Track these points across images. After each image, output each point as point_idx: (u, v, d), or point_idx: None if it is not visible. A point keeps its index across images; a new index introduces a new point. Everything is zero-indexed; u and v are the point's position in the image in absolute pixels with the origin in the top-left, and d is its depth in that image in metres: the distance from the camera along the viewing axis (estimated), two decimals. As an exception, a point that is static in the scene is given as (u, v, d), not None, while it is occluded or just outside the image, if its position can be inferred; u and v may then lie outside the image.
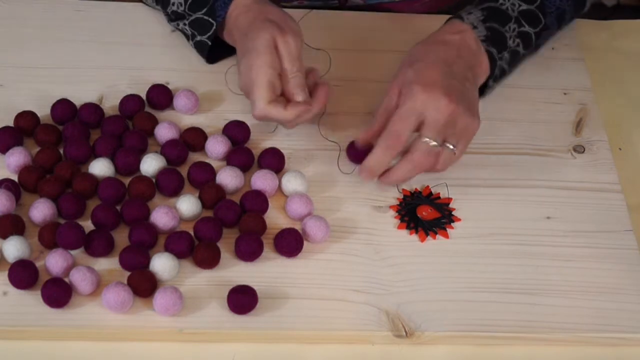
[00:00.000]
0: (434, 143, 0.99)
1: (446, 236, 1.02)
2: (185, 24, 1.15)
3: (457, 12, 1.10)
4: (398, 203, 1.04)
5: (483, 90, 1.11)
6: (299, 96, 1.04)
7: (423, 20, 1.26)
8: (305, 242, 0.99)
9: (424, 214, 1.03)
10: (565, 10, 1.16)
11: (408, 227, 1.02)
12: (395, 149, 1.00)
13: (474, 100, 1.03)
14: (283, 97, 1.04)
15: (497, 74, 1.09)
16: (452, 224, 1.03)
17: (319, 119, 1.10)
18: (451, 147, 1.01)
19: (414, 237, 1.02)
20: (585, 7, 1.21)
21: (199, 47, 1.15)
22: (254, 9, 1.08)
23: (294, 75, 1.04)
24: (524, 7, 1.11)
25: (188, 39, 1.16)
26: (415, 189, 1.06)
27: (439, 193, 1.05)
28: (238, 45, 1.08)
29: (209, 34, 1.12)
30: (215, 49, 1.14)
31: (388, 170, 1.02)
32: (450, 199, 1.05)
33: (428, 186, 1.06)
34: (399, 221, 1.03)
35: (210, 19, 1.12)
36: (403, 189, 1.05)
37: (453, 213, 1.04)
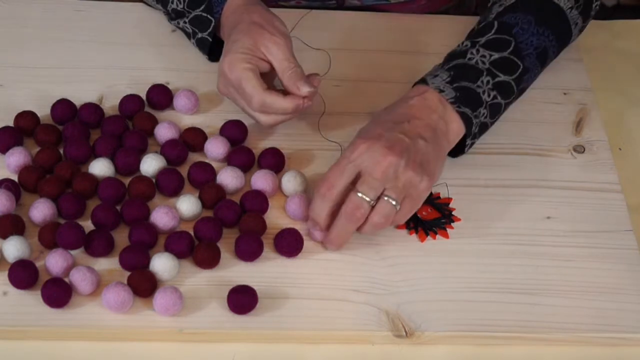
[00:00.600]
0: (366, 198, 0.95)
1: (446, 236, 1.02)
2: (185, 22, 1.14)
3: (423, 76, 1.05)
4: (398, 203, 1.04)
5: (462, 148, 1.05)
6: (304, 87, 1.03)
7: (421, 20, 1.26)
8: (305, 242, 0.99)
9: (423, 214, 1.03)
10: (547, 47, 1.09)
11: (408, 227, 1.02)
12: (330, 199, 0.96)
13: (426, 158, 0.97)
14: (280, 90, 1.05)
15: (475, 132, 1.04)
16: (452, 224, 1.03)
17: (319, 118, 1.10)
18: (392, 201, 0.95)
19: (414, 237, 1.02)
20: (572, 36, 1.14)
21: (201, 45, 1.15)
22: (241, 10, 1.08)
23: (292, 70, 1.03)
24: (496, 56, 1.05)
25: (190, 38, 1.16)
26: None
27: (439, 193, 1.05)
28: (226, 43, 1.08)
29: (208, 30, 1.12)
30: (217, 47, 1.14)
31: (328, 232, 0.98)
32: (450, 199, 1.05)
33: (428, 186, 1.06)
34: (399, 221, 1.03)
35: (208, 16, 1.12)
36: None
37: (453, 213, 1.04)
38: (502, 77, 1.05)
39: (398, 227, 1.02)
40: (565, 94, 1.18)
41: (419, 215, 1.03)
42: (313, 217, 0.98)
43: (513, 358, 0.95)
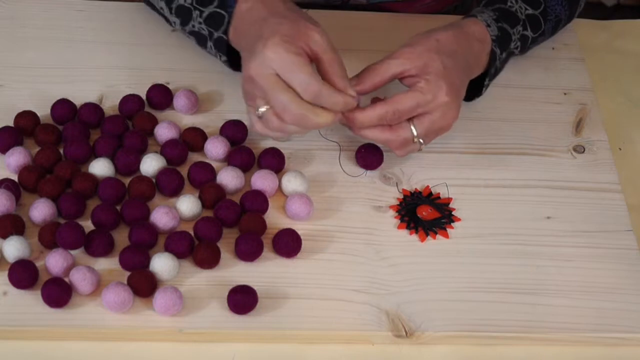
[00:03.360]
0: (419, 140, 1.01)
1: (446, 236, 1.02)
2: (200, 23, 1.07)
3: (468, 13, 1.10)
4: (398, 203, 1.04)
5: (479, 89, 1.10)
6: (348, 89, 0.96)
7: (424, 20, 1.26)
8: (305, 242, 0.99)
9: (424, 214, 1.03)
10: (562, 19, 1.17)
11: (408, 227, 1.02)
12: (387, 121, 1.00)
13: (462, 94, 1.04)
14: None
15: (491, 72, 1.09)
16: (452, 224, 1.03)
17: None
18: (422, 144, 1.03)
19: (414, 237, 1.02)
20: (574, 15, 1.21)
21: (218, 46, 1.07)
22: (259, 6, 1.00)
23: (340, 62, 0.96)
24: (530, 11, 1.11)
25: (206, 42, 1.08)
26: (416, 189, 1.06)
27: (439, 193, 1.05)
28: (248, 40, 0.99)
29: (222, 27, 1.04)
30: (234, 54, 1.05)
31: (361, 113, 0.99)
32: (450, 199, 1.05)
33: (428, 186, 1.06)
34: (399, 221, 1.03)
35: (222, 11, 1.05)
36: (403, 189, 1.05)
37: (453, 213, 1.04)
38: (528, 32, 1.11)
39: (398, 227, 1.02)
40: (565, 94, 1.18)
41: (419, 215, 1.03)
42: (359, 120, 0.99)
43: (513, 358, 0.95)
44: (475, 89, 1.10)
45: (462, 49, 1.04)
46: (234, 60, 1.07)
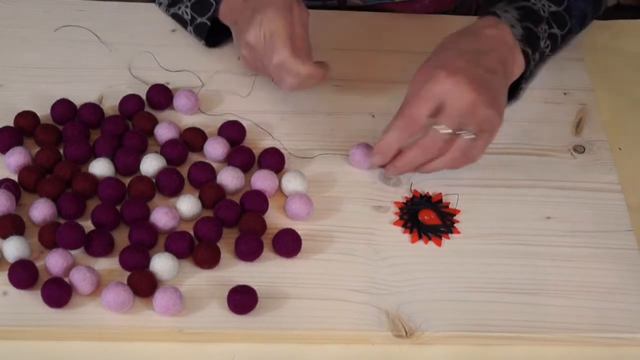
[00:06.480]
0: (448, 130, 0.96)
1: (439, 244, 1.01)
2: (187, 6, 1.15)
3: (489, 8, 1.06)
4: (404, 202, 1.04)
5: (516, 92, 1.08)
6: (309, 60, 1.03)
7: (423, 20, 1.26)
8: (305, 242, 0.99)
9: (425, 218, 1.03)
10: (587, 13, 1.14)
11: (404, 226, 1.02)
12: (408, 131, 0.96)
13: (500, 95, 0.99)
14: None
15: (527, 75, 1.06)
16: (449, 234, 1.02)
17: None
18: (472, 135, 0.96)
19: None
20: (601, 9, 1.18)
21: (198, 30, 1.15)
22: None
23: (306, 41, 1.04)
24: (554, 8, 1.08)
25: (186, 26, 1.16)
26: (427, 192, 1.05)
27: (448, 202, 1.05)
28: (244, 7, 1.07)
29: (208, 14, 1.13)
30: (213, 34, 1.14)
31: (396, 157, 0.99)
32: (457, 211, 1.04)
33: (441, 193, 1.05)
34: (398, 218, 1.02)
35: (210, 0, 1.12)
36: (415, 190, 1.05)
37: (455, 225, 1.03)
38: (555, 30, 1.07)
39: (394, 223, 1.02)
40: (565, 94, 1.18)
41: (419, 218, 1.02)
42: (383, 148, 0.98)
43: (513, 358, 0.95)
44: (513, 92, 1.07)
45: (467, 39, 1.01)
46: (209, 42, 1.16)
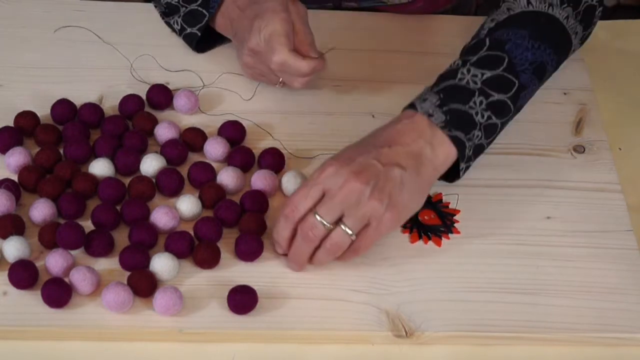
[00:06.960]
0: (322, 221, 0.93)
1: (439, 244, 1.01)
2: (179, 17, 1.16)
3: (412, 100, 1.00)
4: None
5: (456, 172, 1.01)
6: (314, 54, 1.06)
7: (421, 20, 1.26)
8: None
9: (425, 218, 1.03)
10: (544, 61, 1.05)
11: (404, 226, 1.02)
12: (292, 220, 0.94)
13: (398, 189, 0.94)
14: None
15: (470, 155, 0.99)
16: (449, 234, 1.02)
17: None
18: (348, 230, 0.93)
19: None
20: (573, 46, 1.11)
21: (188, 39, 1.16)
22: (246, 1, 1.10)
23: (307, 34, 1.06)
24: (488, 74, 1.00)
25: (178, 34, 1.18)
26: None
27: (449, 202, 1.05)
28: (241, 17, 1.09)
29: (200, 25, 1.14)
30: (203, 40, 1.16)
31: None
32: (457, 211, 1.04)
33: (440, 193, 1.05)
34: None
35: (204, 11, 1.13)
36: None
37: (455, 225, 1.03)
38: (496, 96, 1.00)
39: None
40: (565, 94, 1.18)
41: (419, 217, 1.02)
42: (275, 238, 0.97)
43: (513, 358, 0.95)
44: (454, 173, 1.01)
45: (374, 133, 0.98)
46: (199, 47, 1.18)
